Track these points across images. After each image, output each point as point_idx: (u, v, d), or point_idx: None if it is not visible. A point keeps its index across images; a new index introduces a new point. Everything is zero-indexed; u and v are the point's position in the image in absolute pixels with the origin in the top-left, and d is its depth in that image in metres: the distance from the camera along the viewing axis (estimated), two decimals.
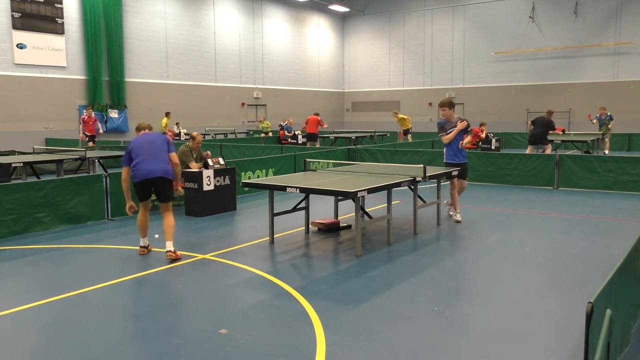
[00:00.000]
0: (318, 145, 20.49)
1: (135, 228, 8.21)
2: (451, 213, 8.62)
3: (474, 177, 12.37)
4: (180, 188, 7.00)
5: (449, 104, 8.29)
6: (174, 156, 6.69)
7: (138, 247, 6.75)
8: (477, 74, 30.46)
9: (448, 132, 8.26)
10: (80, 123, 18.74)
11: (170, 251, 6.32)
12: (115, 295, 5.23)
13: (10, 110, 19.28)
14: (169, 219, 6.54)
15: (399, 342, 4.11)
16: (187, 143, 9.63)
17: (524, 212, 9.17)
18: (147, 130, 6.87)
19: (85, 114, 18.47)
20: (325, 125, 21.88)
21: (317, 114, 21.50)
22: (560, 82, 27.95)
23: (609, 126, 19.13)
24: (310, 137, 21.15)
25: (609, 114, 19.35)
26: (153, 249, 6.82)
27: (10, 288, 5.60)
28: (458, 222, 8.29)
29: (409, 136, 22.56)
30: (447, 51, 31.26)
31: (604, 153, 17.28)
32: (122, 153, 13.72)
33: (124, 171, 6.57)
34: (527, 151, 14.86)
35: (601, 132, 19.08)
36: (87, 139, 17.99)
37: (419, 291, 5.29)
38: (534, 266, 6.08)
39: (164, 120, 21.92)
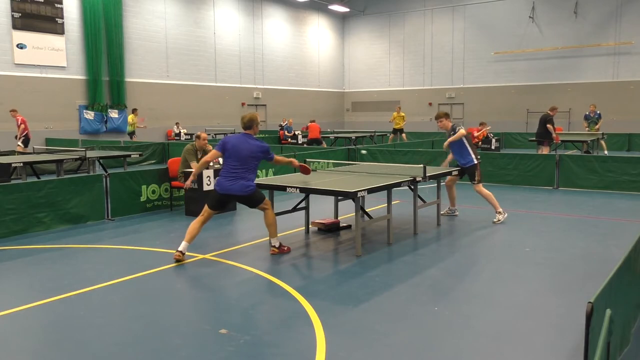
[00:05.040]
0: (325, 146, 20.13)
1: (134, 229, 8.27)
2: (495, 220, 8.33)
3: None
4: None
5: (445, 115, 8.43)
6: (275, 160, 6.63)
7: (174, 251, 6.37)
8: (477, 74, 30.45)
9: (447, 144, 8.39)
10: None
11: (273, 246, 6.55)
12: (115, 295, 5.22)
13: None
14: (265, 217, 6.50)
15: (399, 342, 4.11)
16: (194, 142, 9.66)
17: (524, 212, 9.17)
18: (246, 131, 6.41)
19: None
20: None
21: (313, 121, 21.41)
22: (560, 82, 27.94)
23: (597, 127, 19.01)
24: (312, 142, 20.83)
25: (598, 112, 19.25)
26: (186, 260, 6.31)
27: (10, 288, 5.60)
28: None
29: (404, 135, 22.56)
30: (447, 51, 31.25)
31: (604, 153, 17.21)
32: (122, 153, 13.84)
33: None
34: (540, 151, 14.72)
35: (589, 131, 18.84)
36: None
37: (419, 291, 5.29)
38: (534, 266, 6.08)
39: (131, 116, 20.38)
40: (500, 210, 8.28)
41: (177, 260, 6.23)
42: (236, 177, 6.23)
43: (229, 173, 6.27)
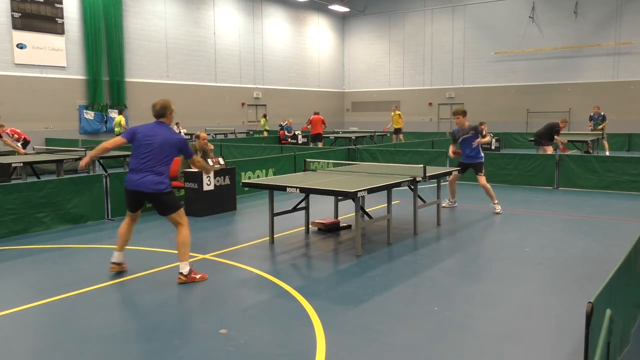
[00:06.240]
0: (321, 145, 20.09)
1: (134, 229, 8.22)
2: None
3: (474, 177, 12.34)
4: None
5: (463, 113, 9.11)
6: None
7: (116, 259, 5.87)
8: (477, 74, 30.45)
9: (459, 140, 9.16)
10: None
11: (181, 273, 5.51)
12: (115, 295, 5.23)
13: (10, 110, 19.27)
14: (178, 234, 5.64)
15: (399, 342, 4.11)
16: (194, 142, 9.66)
17: (524, 212, 9.17)
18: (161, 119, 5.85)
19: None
20: (325, 125, 21.61)
21: (317, 113, 21.18)
22: (560, 82, 27.94)
23: (601, 127, 19.12)
24: (315, 137, 20.69)
25: (602, 113, 19.41)
26: (128, 269, 5.96)
27: (10, 288, 5.60)
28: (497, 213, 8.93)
29: (401, 136, 22.53)
30: (447, 51, 31.25)
31: (606, 154, 17.25)
32: (122, 153, 13.81)
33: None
34: (542, 151, 14.65)
35: (599, 131, 18.99)
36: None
37: (419, 291, 5.29)
38: (534, 266, 6.08)
39: (119, 117, 19.79)
40: (497, 201, 9.09)
41: (117, 272, 5.81)
42: (145, 170, 5.47)
43: (138, 165, 5.49)
